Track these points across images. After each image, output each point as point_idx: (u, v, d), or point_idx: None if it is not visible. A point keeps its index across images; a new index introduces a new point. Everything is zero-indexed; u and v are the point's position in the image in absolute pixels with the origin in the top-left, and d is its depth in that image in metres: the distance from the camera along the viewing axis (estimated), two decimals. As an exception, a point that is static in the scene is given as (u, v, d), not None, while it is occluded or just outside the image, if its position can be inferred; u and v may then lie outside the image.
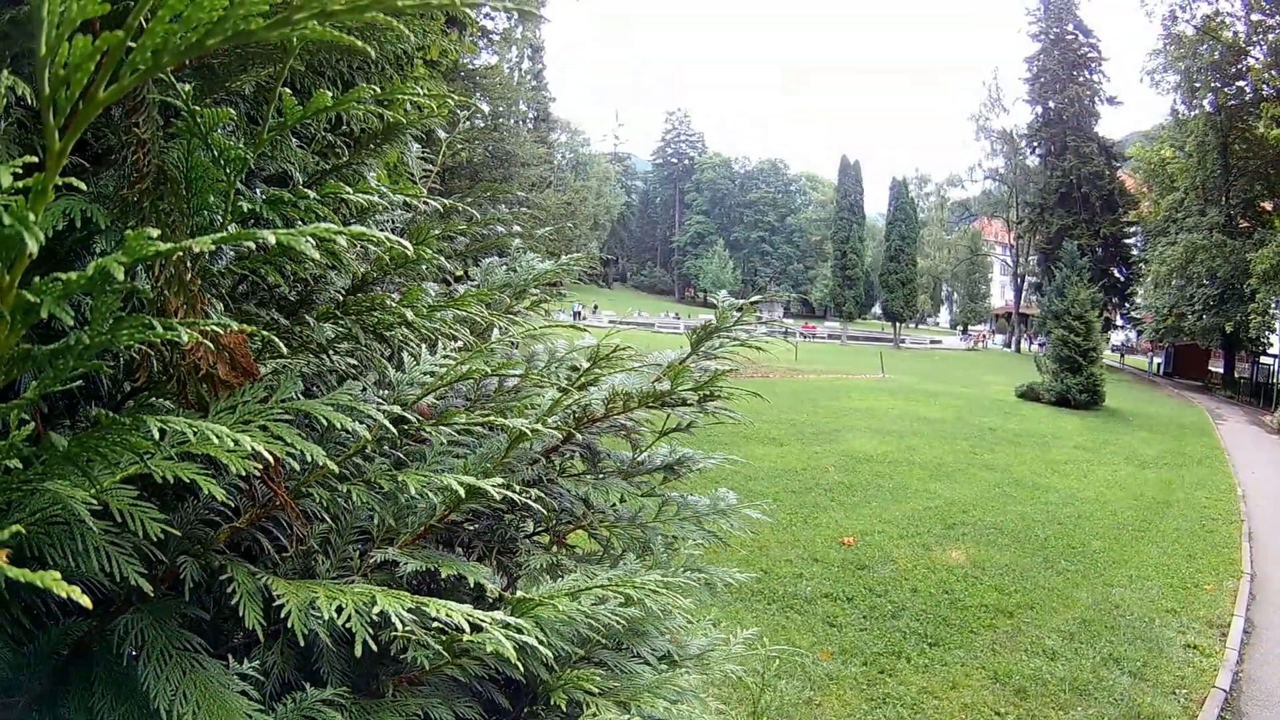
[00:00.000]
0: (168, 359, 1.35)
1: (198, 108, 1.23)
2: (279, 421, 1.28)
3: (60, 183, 0.80)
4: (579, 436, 2.39)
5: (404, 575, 1.78)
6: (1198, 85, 44.49)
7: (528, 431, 1.78)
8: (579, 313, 66.16)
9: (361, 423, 1.45)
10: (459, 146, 3.22)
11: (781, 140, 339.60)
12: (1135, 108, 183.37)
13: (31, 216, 0.70)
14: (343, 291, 2.03)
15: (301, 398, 1.43)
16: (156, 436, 0.97)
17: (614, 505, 2.57)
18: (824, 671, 8.02)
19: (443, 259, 2.15)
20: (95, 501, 1.17)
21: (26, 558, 1.24)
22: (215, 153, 1.27)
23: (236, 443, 1.04)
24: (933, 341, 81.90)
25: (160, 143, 1.38)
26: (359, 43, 0.77)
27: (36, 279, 0.76)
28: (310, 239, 0.79)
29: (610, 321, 67.24)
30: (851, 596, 10.05)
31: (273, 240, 0.76)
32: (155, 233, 0.74)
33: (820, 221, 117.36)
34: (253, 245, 0.78)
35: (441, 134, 2.95)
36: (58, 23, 0.68)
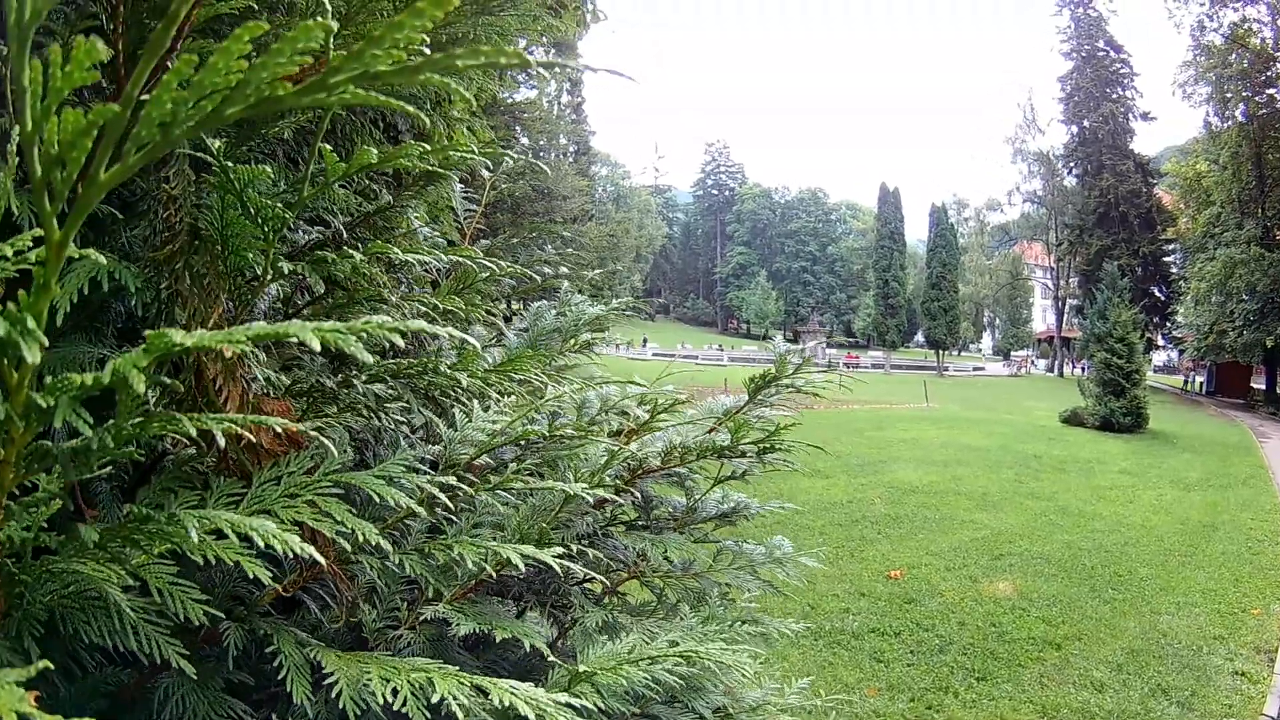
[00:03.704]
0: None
1: (230, 164, 1.16)
2: (327, 496, 1.20)
3: (77, 252, 0.73)
4: (635, 491, 2.31)
5: (456, 635, 1.71)
6: (1229, 95, 44.48)
7: (585, 497, 1.70)
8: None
9: (411, 495, 1.38)
10: (502, 184, 3.16)
11: (820, 167, 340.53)
12: (1169, 122, 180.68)
13: (31, 323, 0.61)
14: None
15: (349, 465, 1.35)
16: (195, 539, 0.89)
17: (666, 555, 2.48)
18: (871, 708, 7.87)
19: (489, 307, 2.08)
20: (130, 579, 1.10)
21: (60, 633, 1.18)
22: (252, 210, 1.21)
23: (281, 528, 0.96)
24: (976, 369, 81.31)
25: (192, 198, 1.31)
26: (409, 107, 0.69)
27: (50, 379, 0.68)
28: (357, 339, 0.69)
29: (654, 354, 68.26)
30: (899, 631, 9.86)
31: (316, 345, 0.67)
32: (179, 334, 0.66)
33: (861, 250, 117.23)
34: (299, 339, 0.68)
35: (485, 172, 2.89)
36: (42, 94, 0.59)
